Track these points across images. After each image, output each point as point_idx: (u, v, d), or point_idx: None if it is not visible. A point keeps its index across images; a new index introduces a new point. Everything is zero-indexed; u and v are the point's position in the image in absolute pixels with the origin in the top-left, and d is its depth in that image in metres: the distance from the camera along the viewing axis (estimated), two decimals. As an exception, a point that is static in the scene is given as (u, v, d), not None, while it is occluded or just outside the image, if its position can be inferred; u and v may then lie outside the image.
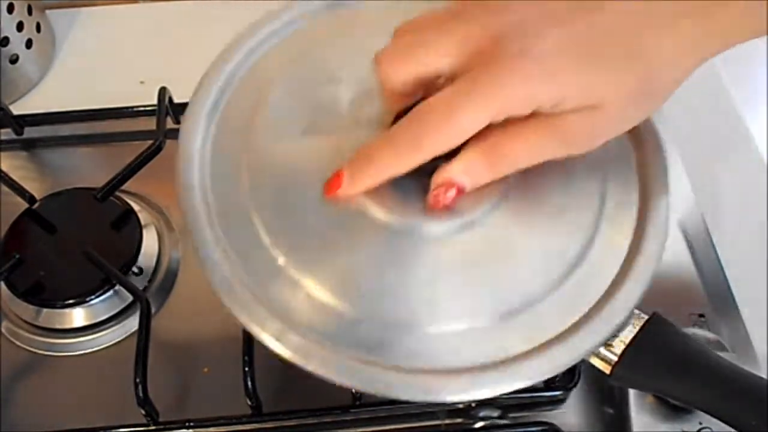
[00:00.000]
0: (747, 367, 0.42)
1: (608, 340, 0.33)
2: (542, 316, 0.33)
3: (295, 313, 0.32)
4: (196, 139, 0.37)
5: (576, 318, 0.33)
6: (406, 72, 0.32)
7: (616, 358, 0.33)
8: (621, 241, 0.35)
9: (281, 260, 0.34)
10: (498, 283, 0.34)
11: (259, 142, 0.37)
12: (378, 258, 0.34)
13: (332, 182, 0.34)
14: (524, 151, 0.31)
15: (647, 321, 0.34)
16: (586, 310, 0.33)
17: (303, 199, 0.35)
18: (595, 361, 0.34)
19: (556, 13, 0.30)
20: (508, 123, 0.31)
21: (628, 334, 0.33)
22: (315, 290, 0.33)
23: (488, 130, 0.31)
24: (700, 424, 0.42)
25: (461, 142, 0.31)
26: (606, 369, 0.34)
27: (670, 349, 0.33)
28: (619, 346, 0.33)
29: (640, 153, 0.38)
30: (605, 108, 0.30)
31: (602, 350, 0.33)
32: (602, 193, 0.37)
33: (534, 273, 0.34)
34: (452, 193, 0.32)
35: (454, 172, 0.32)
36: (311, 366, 0.31)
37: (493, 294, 0.34)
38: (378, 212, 0.34)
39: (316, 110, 0.37)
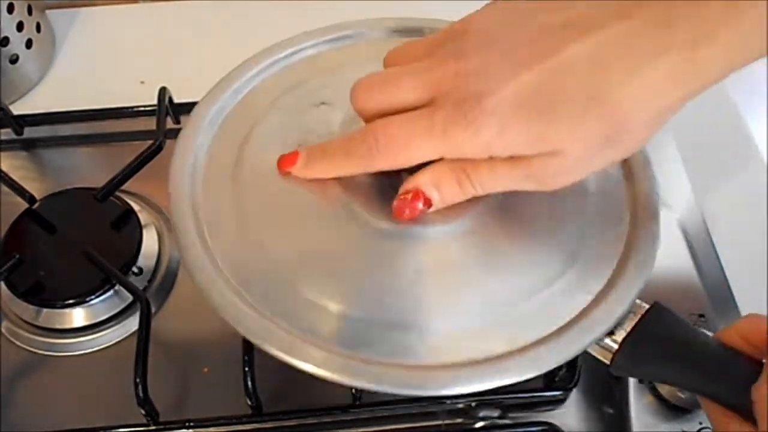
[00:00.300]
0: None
1: (598, 341, 0.34)
2: (529, 317, 0.34)
3: (283, 311, 0.33)
4: (191, 151, 0.38)
5: (564, 320, 0.34)
6: (377, 103, 0.34)
7: (616, 346, 0.33)
8: (612, 248, 0.36)
9: (270, 262, 0.34)
10: (486, 284, 0.35)
11: (253, 154, 0.38)
12: (366, 259, 0.35)
13: (287, 159, 0.36)
14: (491, 179, 0.33)
15: (648, 310, 0.34)
16: (575, 313, 0.34)
17: (293, 205, 0.36)
18: (595, 351, 0.34)
19: (518, 58, 0.31)
20: None
21: (628, 323, 0.34)
22: (303, 290, 0.34)
23: None
24: (700, 424, 0.42)
25: (408, 166, 0.33)
26: (606, 358, 0.34)
27: (671, 337, 0.33)
28: (619, 334, 0.34)
29: (630, 180, 0.39)
30: (566, 154, 0.31)
31: (603, 339, 0.34)
32: (593, 204, 0.38)
33: (522, 276, 0.35)
34: (419, 204, 0.34)
35: (422, 181, 0.34)
36: (296, 360, 0.32)
37: (480, 295, 0.34)
38: (367, 216, 0.35)
39: (308, 129, 0.39)
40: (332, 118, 0.39)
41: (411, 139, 0.32)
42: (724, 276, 0.50)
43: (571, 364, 0.44)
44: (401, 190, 0.34)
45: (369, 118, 0.35)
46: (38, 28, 0.61)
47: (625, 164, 0.39)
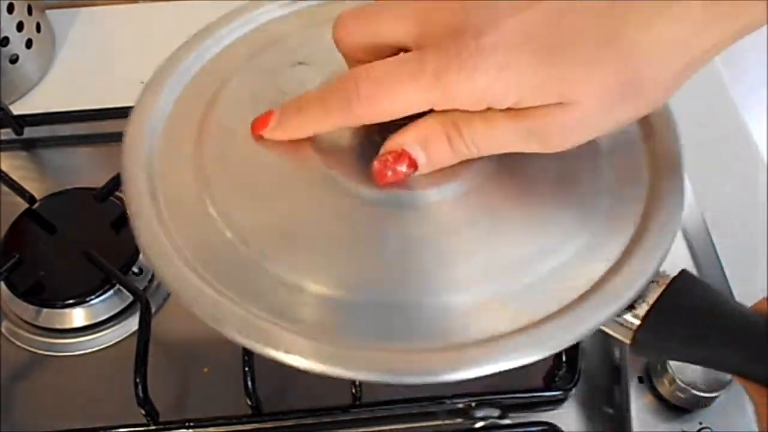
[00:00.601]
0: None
1: (616, 316, 0.29)
2: (536, 289, 0.30)
3: (253, 293, 0.29)
4: (149, 114, 0.35)
5: (577, 293, 0.30)
6: (359, 37, 0.30)
7: (638, 322, 0.29)
8: (630, 210, 0.32)
9: (237, 237, 0.30)
10: (485, 253, 0.31)
11: (220, 118, 0.34)
12: (347, 231, 0.31)
13: (261, 121, 0.32)
14: (487, 137, 0.29)
15: (674, 279, 0.30)
16: (590, 285, 0.30)
17: (264, 173, 0.32)
18: (613, 329, 0.30)
19: None
20: None
21: (651, 295, 0.29)
22: (275, 268, 0.30)
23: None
24: (700, 424, 0.42)
25: (393, 118, 0.29)
26: (626, 337, 0.30)
27: (703, 310, 0.29)
28: (641, 308, 0.29)
29: (649, 138, 0.35)
30: (575, 105, 0.27)
31: (624, 315, 0.30)
32: (607, 162, 0.34)
33: (527, 243, 0.31)
34: (403, 167, 0.30)
35: (407, 140, 0.30)
36: (271, 349, 0.28)
37: (479, 265, 0.30)
38: (347, 182, 0.31)
39: (283, 90, 0.35)
40: (310, 79, 0.34)
41: (396, 84, 0.28)
42: (724, 276, 0.50)
43: (571, 364, 0.44)
44: (383, 149, 0.30)
45: (350, 56, 0.31)
46: (38, 28, 0.61)
47: (644, 121, 0.35)
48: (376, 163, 0.30)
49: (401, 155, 0.30)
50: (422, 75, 0.27)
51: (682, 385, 0.41)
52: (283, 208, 0.32)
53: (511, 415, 0.45)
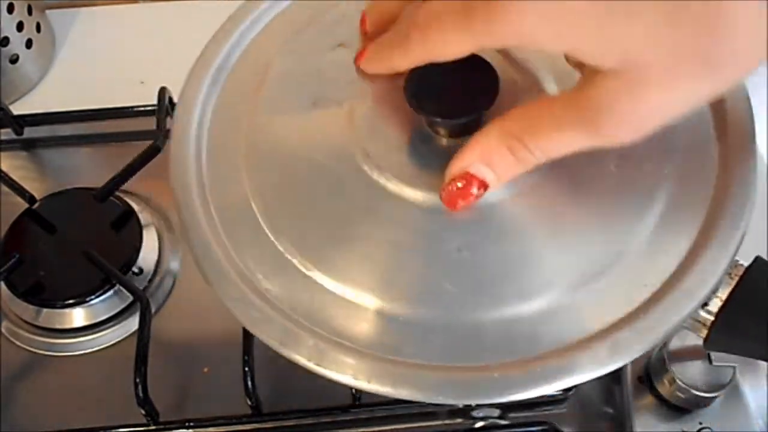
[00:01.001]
0: (746, 370, 0.42)
1: (692, 315, 0.27)
2: (602, 293, 0.28)
3: (307, 310, 0.28)
4: (193, 119, 0.34)
5: (647, 294, 0.28)
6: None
7: (711, 318, 0.28)
8: (699, 195, 0.30)
9: (288, 252, 0.30)
10: (547, 257, 0.29)
11: (264, 116, 0.33)
12: (400, 239, 0.30)
13: (360, 52, 0.32)
14: (551, 140, 0.27)
15: (748, 269, 0.28)
16: (659, 285, 0.28)
17: (315, 179, 0.31)
18: (687, 325, 0.29)
19: None
20: (529, 104, 0.27)
21: (724, 289, 0.28)
22: (329, 283, 0.29)
23: (507, 113, 0.28)
24: (700, 424, 0.42)
25: (445, 57, 0.27)
26: (700, 333, 0.28)
27: None
28: (714, 304, 0.28)
29: (717, 105, 0.32)
30: (639, 74, 0.24)
31: (695, 311, 0.28)
32: (671, 139, 0.31)
33: (589, 242, 0.29)
34: (474, 189, 0.28)
35: (468, 161, 0.28)
36: (330, 371, 0.27)
37: (542, 272, 0.29)
38: (400, 187, 0.30)
39: (326, 77, 0.33)
40: (352, 62, 0.33)
41: (443, 19, 0.26)
42: (724, 276, 0.50)
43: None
44: (447, 176, 0.28)
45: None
46: (38, 28, 0.61)
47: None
48: (443, 193, 0.29)
49: (468, 179, 0.28)
50: (466, 16, 0.26)
51: (682, 385, 0.41)
52: (336, 216, 0.31)
53: (511, 415, 0.45)
